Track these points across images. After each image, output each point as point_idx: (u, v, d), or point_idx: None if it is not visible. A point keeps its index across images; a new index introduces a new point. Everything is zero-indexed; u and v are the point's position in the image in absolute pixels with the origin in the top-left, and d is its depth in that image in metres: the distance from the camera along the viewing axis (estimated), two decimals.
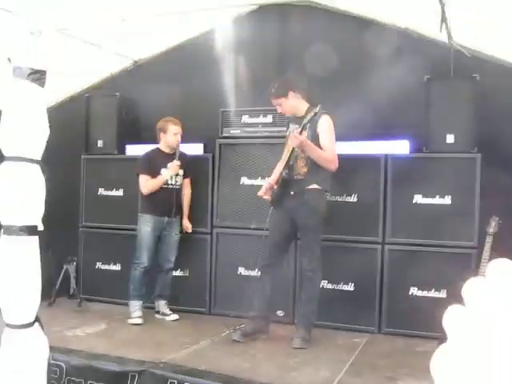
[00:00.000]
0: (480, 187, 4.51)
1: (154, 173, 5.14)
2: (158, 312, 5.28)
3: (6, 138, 2.58)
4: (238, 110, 5.36)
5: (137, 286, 5.15)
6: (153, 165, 5.16)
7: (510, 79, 4.66)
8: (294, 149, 4.27)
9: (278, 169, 4.47)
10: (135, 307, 5.08)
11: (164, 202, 5.10)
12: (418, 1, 4.34)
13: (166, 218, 5.14)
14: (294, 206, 4.31)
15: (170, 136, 5.14)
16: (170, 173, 5.11)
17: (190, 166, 5.31)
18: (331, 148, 4.25)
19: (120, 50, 5.84)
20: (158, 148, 5.27)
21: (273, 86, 4.39)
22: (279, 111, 4.46)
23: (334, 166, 4.25)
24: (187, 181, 5.32)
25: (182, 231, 5.29)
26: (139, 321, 5.02)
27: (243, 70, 5.42)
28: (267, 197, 4.42)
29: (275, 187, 4.39)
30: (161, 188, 5.12)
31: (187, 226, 5.29)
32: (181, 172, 5.20)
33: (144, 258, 5.13)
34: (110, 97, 5.94)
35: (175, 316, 5.20)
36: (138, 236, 5.20)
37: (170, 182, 5.15)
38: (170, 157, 5.14)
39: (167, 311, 5.24)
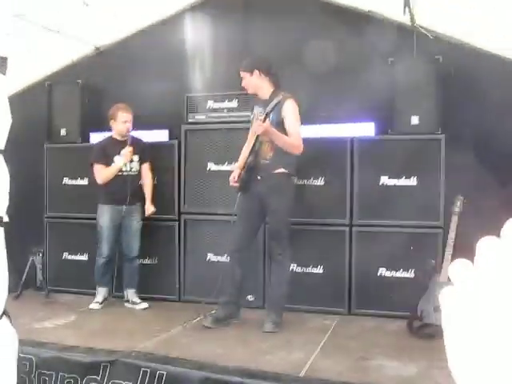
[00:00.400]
0: (445, 167, 4.57)
1: (108, 161, 5.10)
2: (127, 301, 5.25)
3: None
4: (203, 95, 5.32)
5: (99, 274, 5.25)
6: (106, 153, 5.12)
7: (472, 60, 4.72)
8: (258, 135, 4.27)
9: (244, 154, 4.47)
10: (98, 293, 5.24)
11: (119, 189, 5.06)
12: None
13: (124, 207, 5.09)
14: (262, 190, 4.31)
15: (120, 124, 5.10)
16: (123, 160, 5.06)
17: (146, 151, 5.25)
18: (296, 133, 4.24)
19: (81, 36, 5.72)
20: (110, 136, 5.24)
21: (245, 59, 4.43)
22: (242, 84, 4.46)
23: (298, 151, 4.25)
24: (146, 166, 5.24)
25: (144, 218, 5.23)
26: (95, 306, 5.15)
27: (207, 55, 5.37)
28: (236, 184, 4.41)
29: (242, 172, 4.39)
30: (116, 176, 5.09)
31: (149, 208, 5.16)
32: (135, 158, 5.15)
33: (104, 249, 5.16)
34: (72, 84, 5.82)
35: (145, 304, 5.18)
36: (97, 227, 5.18)
37: (124, 169, 5.10)
38: (123, 144, 5.09)
39: (136, 300, 5.22)
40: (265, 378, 3.18)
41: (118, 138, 5.15)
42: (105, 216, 5.14)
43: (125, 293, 5.28)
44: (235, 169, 4.50)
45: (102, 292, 5.26)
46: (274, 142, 4.21)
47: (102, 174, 5.10)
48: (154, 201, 5.22)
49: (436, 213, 4.61)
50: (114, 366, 3.54)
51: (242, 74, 4.38)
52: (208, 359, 3.52)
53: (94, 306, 5.15)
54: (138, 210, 5.18)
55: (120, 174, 5.09)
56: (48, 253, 5.88)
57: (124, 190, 5.03)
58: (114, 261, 5.31)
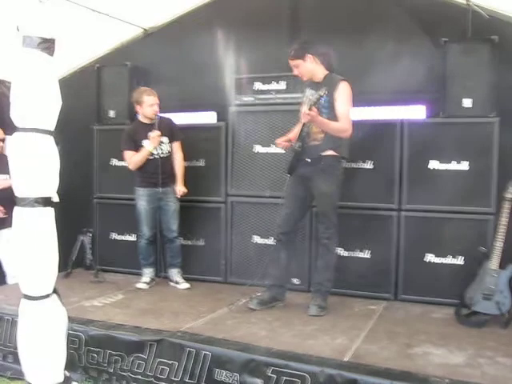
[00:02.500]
0: (498, 152, 4.43)
1: (137, 146, 5.14)
2: (171, 280, 5.35)
3: (17, 108, 2.56)
4: (251, 77, 5.28)
5: (144, 255, 5.37)
6: (134, 139, 5.16)
7: None
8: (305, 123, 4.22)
9: (298, 127, 4.40)
10: (144, 274, 5.37)
11: (152, 172, 5.11)
12: None
13: (160, 189, 5.15)
14: (310, 172, 4.27)
15: (146, 108, 5.11)
16: (152, 144, 5.08)
17: (175, 130, 5.27)
18: (346, 116, 4.16)
19: (130, 19, 5.75)
20: (138, 120, 5.28)
21: (292, 47, 4.32)
22: (295, 73, 4.37)
23: (346, 135, 4.19)
24: (176, 145, 5.25)
25: (187, 200, 5.30)
26: (142, 286, 5.27)
27: (255, 36, 5.32)
28: (284, 146, 4.41)
29: (293, 142, 4.34)
30: (147, 159, 5.12)
31: (179, 189, 5.20)
32: (165, 140, 5.16)
33: (145, 230, 5.27)
34: (121, 66, 5.88)
35: (186, 285, 5.25)
36: (136, 209, 5.26)
37: (154, 153, 5.12)
38: (150, 127, 5.11)
39: (179, 279, 5.30)
40: (309, 362, 3.17)
41: (146, 121, 5.18)
42: (141, 199, 5.21)
43: (168, 272, 5.38)
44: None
45: (148, 273, 5.35)
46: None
47: (133, 160, 5.15)
48: (185, 181, 5.24)
49: (487, 198, 4.48)
50: (160, 346, 3.59)
51: (295, 62, 4.29)
52: (252, 341, 3.53)
53: (141, 285, 5.24)
54: (173, 191, 5.21)
55: (151, 157, 5.12)
56: (97, 233, 6.00)
57: (156, 172, 5.09)
58: (156, 241, 5.44)
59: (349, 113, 4.19)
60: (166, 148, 5.18)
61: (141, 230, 5.29)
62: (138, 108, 5.18)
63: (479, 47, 4.58)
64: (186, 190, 5.20)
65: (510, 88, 4.48)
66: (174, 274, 5.33)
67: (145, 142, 5.10)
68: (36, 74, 2.58)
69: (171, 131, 5.22)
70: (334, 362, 3.18)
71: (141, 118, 5.22)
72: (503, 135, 4.42)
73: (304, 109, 4.06)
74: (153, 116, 5.11)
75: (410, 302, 4.66)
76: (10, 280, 5.45)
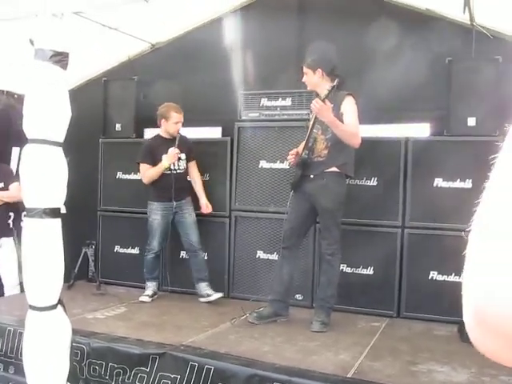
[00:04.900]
0: None
1: (155, 160, 5.14)
2: (201, 296, 5.18)
3: (29, 120, 2.59)
4: (257, 93, 5.32)
5: (149, 269, 5.33)
6: (153, 153, 5.16)
7: None
8: (312, 130, 4.24)
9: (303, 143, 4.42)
10: (147, 287, 5.33)
11: (167, 187, 5.10)
12: None
13: (174, 203, 5.15)
14: (313, 189, 4.28)
15: (171, 124, 5.12)
16: (169, 161, 5.08)
17: (192, 149, 5.29)
18: (354, 125, 4.18)
19: (138, 34, 5.80)
20: (158, 134, 5.28)
21: (310, 53, 4.34)
22: (303, 80, 4.40)
23: (356, 140, 4.17)
24: (192, 164, 5.28)
25: (197, 214, 5.28)
26: (145, 298, 5.23)
27: (262, 53, 5.37)
28: (292, 159, 4.38)
29: (297, 159, 4.33)
30: (163, 174, 5.12)
31: (205, 203, 5.20)
32: (183, 156, 5.19)
33: (155, 244, 5.24)
34: (128, 80, 5.94)
35: (219, 294, 5.11)
36: (148, 223, 5.25)
37: (172, 168, 5.14)
38: (170, 142, 5.12)
39: (210, 291, 5.14)
40: (312, 378, 3.16)
41: (166, 136, 5.19)
42: (155, 213, 5.20)
43: (197, 288, 5.23)
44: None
45: (151, 286, 5.33)
46: (330, 141, 4.19)
47: (148, 174, 5.16)
48: (208, 198, 5.29)
49: None
50: (163, 359, 3.58)
51: (305, 70, 4.32)
52: (256, 356, 3.52)
53: (144, 298, 5.22)
54: (188, 203, 5.21)
55: (168, 172, 5.12)
56: (100, 245, 6.01)
57: (170, 187, 5.08)
58: (162, 256, 5.44)
59: (357, 123, 4.21)
60: (182, 164, 5.21)
61: (150, 244, 5.24)
62: (162, 122, 5.17)
63: (483, 67, 4.63)
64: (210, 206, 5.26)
65: None
66: (203, 287, 5.17)
67: (164, 157, 5.10)
68: (47, 86, 2.61)
69: (189, 149, 5.24)
70: (337, 379, 3.18)
71: (162, 132, 5.23)
72: None
73: (315, 103, 4.03)
74: (175, 134, 5.12)
75: (413, 320, 4.66)
76: (7, 291, 5.41)
